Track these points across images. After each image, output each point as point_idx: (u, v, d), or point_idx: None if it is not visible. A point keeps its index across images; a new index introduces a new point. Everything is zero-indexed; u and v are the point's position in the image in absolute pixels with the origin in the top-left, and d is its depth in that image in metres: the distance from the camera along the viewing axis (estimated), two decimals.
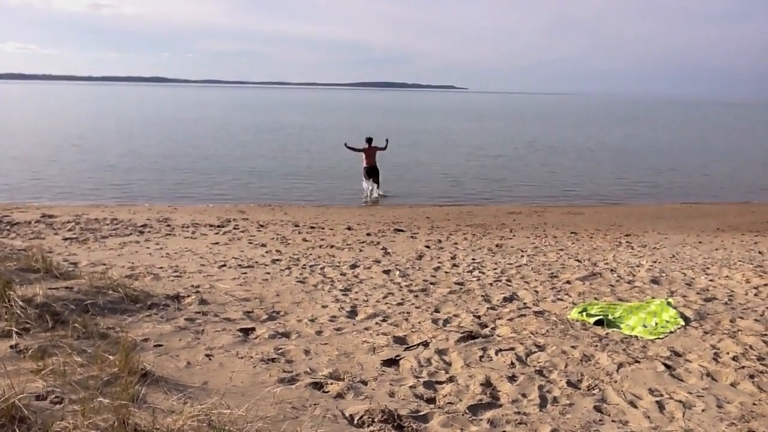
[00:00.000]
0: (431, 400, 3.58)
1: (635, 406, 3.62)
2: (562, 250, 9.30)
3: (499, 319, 5.26)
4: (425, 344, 4.50)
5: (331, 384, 3.62)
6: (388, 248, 8.93)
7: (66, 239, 8.60)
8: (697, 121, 69.05)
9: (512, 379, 3.92)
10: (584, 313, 5.35)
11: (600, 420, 3.43)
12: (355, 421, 3.16)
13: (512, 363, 4.20)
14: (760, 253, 9.41)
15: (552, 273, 7.29)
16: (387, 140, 16.18)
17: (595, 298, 6.07)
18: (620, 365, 4.21)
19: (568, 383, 3.90)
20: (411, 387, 3.71)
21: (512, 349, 4.45)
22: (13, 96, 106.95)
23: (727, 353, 4.51)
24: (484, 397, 3.64)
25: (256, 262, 7.42)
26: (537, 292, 6.32)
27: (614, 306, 5.62)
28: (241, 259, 7.51)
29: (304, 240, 9.44)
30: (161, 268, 6.71)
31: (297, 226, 10.95)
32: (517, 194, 17.39)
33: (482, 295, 6.08)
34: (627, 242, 10.42)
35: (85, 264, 6.71)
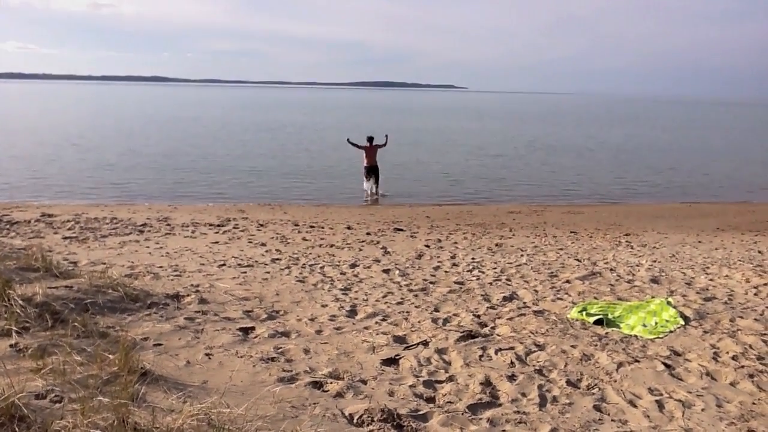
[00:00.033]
0: (431, 400, 3.58)
1: (635, 406, 3.62)
2: (561, 249, 9.30)
3: (499, 318, 5.26)
4: (425, 343, 4.50)
5: (331, 383, 3.62)
6: (388, 247, 8.93)
7: (66, 238, 8.60)
8: (697, 121, 69.07)
9: (512, 378, 3.92)
10: (584, 313, 5.35)
11: (599, 419, 3.44)
12: (355, 421, 3.16)
13: (512, 362, 4.20)
14: (759, 252, 9.41)
15: (552, 272, 7.29)
16: (387, 136, 16.25)
17: (595, 298, 6.07)
18: (620, 364, 4.21)
19: (568, 382, 3.90)
20: (410, 386, 3.71)
21: (512, 348, 4.45)
22: (13, 95, 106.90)
23: (727, 353, 4.51)
24: (483, 396, 3.64)
25: (256, 261, 7.41)
26: (537, 291, 6.32)
27: (614, 305, 5.62)
28: (240, 259, 7.51)
29: (304, 239, 9.44)
30: (161, 267, 6.71)
31: (297, 225, 10.95)
32: (517, 193, 17.40)
33: (482, 295, 6.08)
34: (627, 241, 10.42)
35: (84, 263, 6.71)
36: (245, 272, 6.70)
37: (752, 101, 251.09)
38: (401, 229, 10.95)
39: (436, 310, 5.51)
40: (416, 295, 6.01)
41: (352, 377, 3.78)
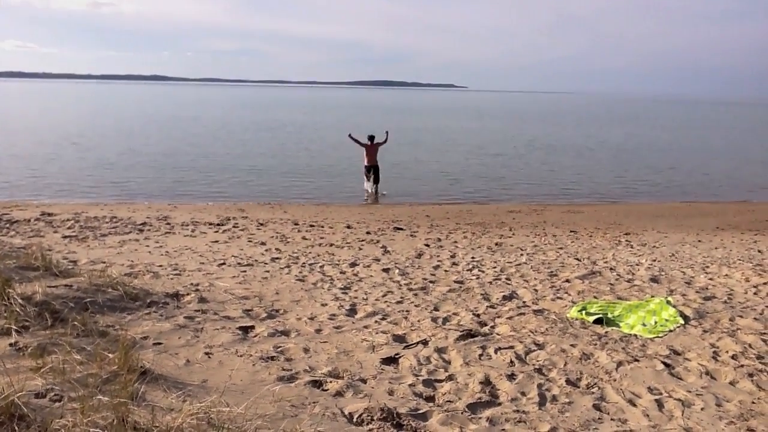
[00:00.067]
0: (430, 399, 3.58)
1: (634, 405, 3.62)
2: (561, 248, 9.30)
3: (499, 317, 5.26)
4: (424, 342, 4.50)
5: (331, 382, 3.62)
6: (388, 246, 8.93)
7: (65, 237, 8.60)
8: (697, 120, 69.07)
9: (511, 377, 3.92)
10: (583, 312, 5.35)
11: (599, 418, 3.44)
12: (355, 420, 3.16)
13: (511, 361, 4.20)
14: (759, 251, 9.41)
15: (551, 271, 7.29)
16: (387, 132, 16.31)
17: (595, 297, 6.07)
18: (619, 364, 4.21)
19: (568, 382, 3.90)
20: (410, 385, 3.71)
21: (511, 347, 4.45)
22: (12, 94, 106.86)
23: (727, 352, 4.51)
24: (483, 395, 3.64)
25: (256, 260, 7.41)
26: (536, 290, 6.32)
27: (614, 304, 5.63)
28: (240, 258, 7.50)
29: (304, 238, 9.44)
30: (161, 266, 6.71)
31: (296, 224, 10.94)
32: (517, 193, 17.40)
33: (482, 294, 6.08)
34: (626, 241, 10.43)
35: (84, 262, 6.71)
36: (245, 271, 6.70)
37: (752, 101, 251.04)
38: (401, 228, 10.95)
39: (436, 309, 5.51)
40: (416, 294, 6.01)
41: (351, 376, 3.78)
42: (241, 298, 5.50)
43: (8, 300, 4.06)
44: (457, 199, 16.24)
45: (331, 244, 8.95)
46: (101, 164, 20.26)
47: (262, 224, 10.70)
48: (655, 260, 8.31)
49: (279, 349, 4.17)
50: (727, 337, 4.81)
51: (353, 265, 7.38)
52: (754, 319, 5.31)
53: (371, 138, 16.10)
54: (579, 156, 27.08)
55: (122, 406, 2.65)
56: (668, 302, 5.70)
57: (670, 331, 4.97)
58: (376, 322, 5.02)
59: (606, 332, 4.90)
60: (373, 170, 16.04)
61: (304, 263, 7.33)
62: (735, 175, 22.76)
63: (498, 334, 4.78)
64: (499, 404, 3.56)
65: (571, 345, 4.55)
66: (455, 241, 9.71)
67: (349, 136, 16.36)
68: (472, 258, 8.15)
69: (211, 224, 10.34)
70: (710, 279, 7.03)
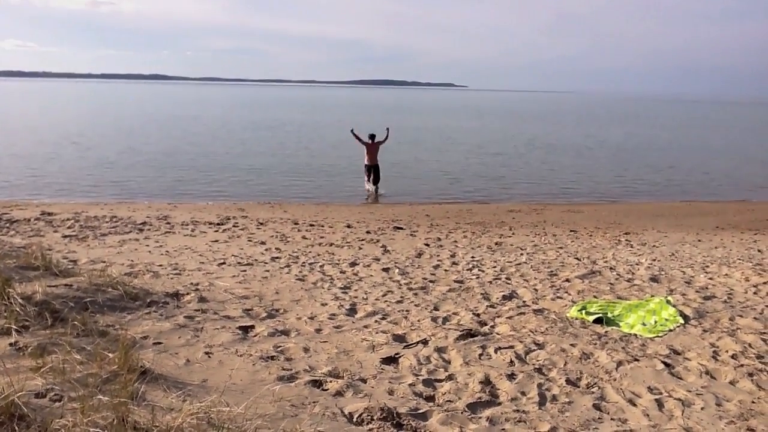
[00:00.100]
0: (430, 398, 3.58)
1: (634, 405, 3.62)
2: (561, 248, 9.30)
3: (499, 317, 5.26)
4: (424, 342, 4.50)
5: (331, 382, 3.62)
6: (388, 246, 8.93)
7: (65, 237, 8.60)
8: (697, 120, 69.05)
9: (511, 377, 3.93)
10: (583, 311, 5.35)
11: (599, 418, 3.44)
12: (354, 419, 3.16)
13: (511, 361, 4.20)
14: (759, 251, 9.41)
15: (551, 271, 7.29)
16: (388, 129, 16.33)
17: (595, 296, 6.07)
18: (619, 363, 4.21)
19: (567, 381, 3.90)
20: (410, 385, 3.71)
21: (511, 347, 4.45)
22: (12, 93, 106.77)
23: (726, 351, 4.51)
24: (483, 395, 3.64)
25: (256, 259, 7.41)
26: (536, 290, 6.32)
27: (613, 304, 5.63)
28: (240, 257, 7.50)
29: (304, 238, 9.44)
30: (161, 265, 6.70)
31: (296, 223, 10.94)
32: (517, 192, 17.40)
33: (481, 293, 6.08)
34: (626, 240, 10.43)
35: (84, 261, 6.71)
36: (245, 271, 6.70)
37: (752, 101, 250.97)
38: (401, 228, 10.94)
39: (436, 308, 5.51)
40: (416, 294, 6.01)
41: (351, 376, 3.78)
42: (241, 298, 5.50)
43: (8, 300, 4.06)
44: (457, 198, 16.24)
45: (331, 244, 8.95)
46: (101, 163, 20.26)
47: (262, 224, 10.70)
48: (654, 260, 8.31)
49: (279, 349, 4.17)
50: (727, 337, 4.81)
51: (353, 264, 7.38)
52: (754, 318, 5.31)
53: (372, 137, 16.10)
54: (579, 155, 27.08)
55: (122, 405, 2.65)
56: (668, 302, 5.70)
57: (670, 330, 4.97)
58: (376, 321, 5.02)
59: (606, 332, 4.91)
60: (373, 170, 16.05)
61: (304, 263, 7.33)
62: (735, 174, 22.76)
63: (498, 334, 4.78)
64: (499, 404, 3.56)
65: (571, 345, 4.55)
66: (455, 241, 9.71)
67: (352, 131, 16.35)
68: (472, 257, 8.15)
69: (211, 224, 10.34)
70: (710, 278, 7.03)
